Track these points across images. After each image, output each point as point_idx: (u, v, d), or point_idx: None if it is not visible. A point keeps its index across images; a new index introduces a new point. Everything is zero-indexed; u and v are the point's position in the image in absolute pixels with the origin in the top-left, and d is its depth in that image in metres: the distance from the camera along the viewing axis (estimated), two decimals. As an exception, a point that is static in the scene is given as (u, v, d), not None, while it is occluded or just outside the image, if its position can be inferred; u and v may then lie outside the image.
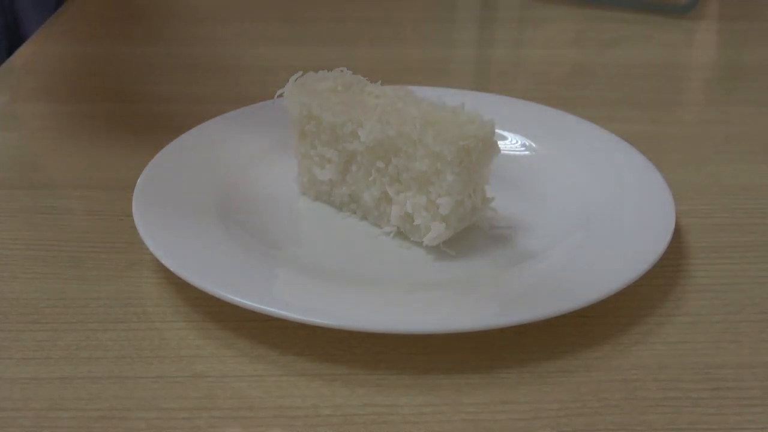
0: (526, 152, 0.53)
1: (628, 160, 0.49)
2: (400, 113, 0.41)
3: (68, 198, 0.49)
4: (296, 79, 0.46)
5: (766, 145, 0.57)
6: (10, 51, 0.74)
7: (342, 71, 0.46)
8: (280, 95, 0.46)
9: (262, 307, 0.36)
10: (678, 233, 0.46)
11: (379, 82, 0.45)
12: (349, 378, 0.36)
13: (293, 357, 0.37)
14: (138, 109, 0.61)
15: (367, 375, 0.36)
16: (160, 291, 0.41)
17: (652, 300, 0.41)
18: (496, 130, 0.42)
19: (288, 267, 0.41)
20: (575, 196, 0.47)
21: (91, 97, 0.63)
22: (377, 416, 0.34)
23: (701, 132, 0.60)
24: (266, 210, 0.47)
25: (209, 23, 0.81)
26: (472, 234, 0.45)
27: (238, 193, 0.47)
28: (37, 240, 0.45)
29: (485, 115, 0.42)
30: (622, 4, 0.85)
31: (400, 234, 0.45)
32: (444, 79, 0.66)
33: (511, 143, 0.53)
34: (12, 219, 0.46)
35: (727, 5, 0.89)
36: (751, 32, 0.82)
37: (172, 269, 0.38)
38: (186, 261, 0.39)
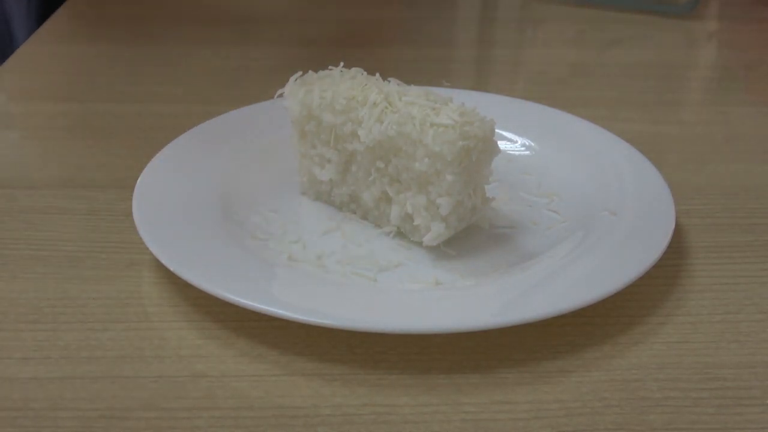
0: (526, 152, 0.53)
1: (628, 160, 0.49)
2: (400, 113, 0.41)
3: (68, 198, 0.49)
4: (296, 79, 0.46)
5: (766, 145, 0.57)
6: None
7: (342, 71, 0.46)
8: (280, 95, 0.47)
9: (262, 307, 0.36)
10: (678, 233, 0.46)
11: (378, 75, 0.45)
12: (349, 378, 0.36)
13: (293, 357, 0.37)
14: (138, 109, 0.61)
15: (367, 375, 0.36)
16: (160, 291, 0.41)
17: (652, 300, 0.41)
18: (496, 130, 0.42)
19: (288, 267, 0.41)
20: (575, 196, 0.48)
21: (91, 97, 0.63)
22: (377, 416, 0.34)
23: (701, 132, 0.60)
24: (266, 210, 0.47)
25: (209, 23, 0.81)
26: (472, 234, 0.45)
27: (238, 193, 0.47)
28: (37, 240, 0.45)
29: (485, 115, 0.42)
30: (622, 5, 0.85)
31: (400, 234, 0.45)
32: (444, 79, 0.65)
33: (511, 143, 0.53)
34: (12, 219, 0.46)
35: (727, 5, 0.89)
36: (751, 32, 0.82)
37: (172, 269, 0.38)
38: (186, 261, 0.39)
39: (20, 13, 0.90)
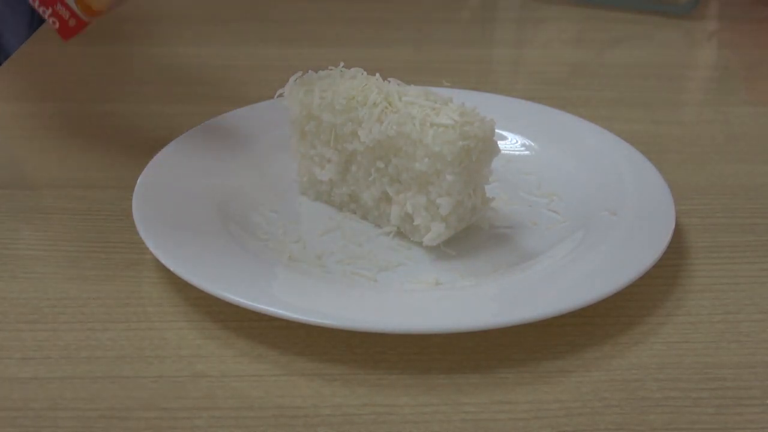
0: (526, 152, 0.53)
1: (628, 160, 0.49)
2: (400, 113, 0.41)
3: (68, 198, 0.49)
4: (296, 79, 0.46)
5: (766, 145, 0.57)
6: None
7: (342, 71, 0.46)
8: (280, 95, 0.46)
9: (262, 307, 0.36)
10: (678, 233, 0.46)
11: (378, 75, 0.45)
12: (349, 378, 0.36)
13: (293, 357, 0.37)
14: (137, 109, 0.61)
15: (367, 375, 0.36)
16: (160, 291, 0.41)
17: (652, 300, 0.41)
18: (496, 130, 0.42)
19: (288, 267, 0.41)
20: (575, 196, 0.48)
21: (90, 97, 0.63)
22: (377, 416, 0.34)
23: (701, 132, 0.60)
24: (266, 210, 0.47)
25: (209, 23, 0.81)
26: (472, 234, 0.45)
27: (238, 194, 0.47)
28: (37, 240, 0.45)
29: (485, 115, 0.42)
30: (622, 4, 0.85)
31: (400, 234, 0.45)
32: (444, 79, 0.65)
33: (511, 143, 0.53)
34: (12, 219, 0.46)
35: (727, 5, 0.89)
36: (751, 32, 0.82)
37: (172, 269, 0.38)
38: (186, 261, 0.39)
39: (13, 20, 0.90)
